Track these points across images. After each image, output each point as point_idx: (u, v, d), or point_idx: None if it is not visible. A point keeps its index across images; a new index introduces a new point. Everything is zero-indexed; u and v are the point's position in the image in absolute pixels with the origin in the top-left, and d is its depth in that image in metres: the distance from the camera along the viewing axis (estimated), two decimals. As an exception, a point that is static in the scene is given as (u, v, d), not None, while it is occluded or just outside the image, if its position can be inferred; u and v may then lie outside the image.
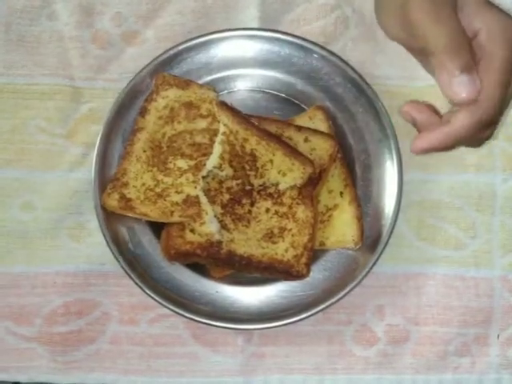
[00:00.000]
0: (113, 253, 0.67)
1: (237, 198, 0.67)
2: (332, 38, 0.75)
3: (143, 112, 0.70)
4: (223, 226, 0.66)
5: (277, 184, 0.67)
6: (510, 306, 0.71)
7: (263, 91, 0.73)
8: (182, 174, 0.68)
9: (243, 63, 0.72)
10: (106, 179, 0.69)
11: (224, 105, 0.67)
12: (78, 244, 0.72)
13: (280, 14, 0.75)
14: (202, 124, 0.69)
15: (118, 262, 0.67)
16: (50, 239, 0.72)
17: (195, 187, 0.67)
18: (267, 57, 0.72)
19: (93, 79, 0.74)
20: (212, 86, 0.71)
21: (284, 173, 0.66)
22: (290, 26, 0.75)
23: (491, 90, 0.56)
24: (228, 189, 0.67)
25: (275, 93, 0.73)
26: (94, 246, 0.71)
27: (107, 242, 0.68)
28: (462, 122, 0.56)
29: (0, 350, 0.70)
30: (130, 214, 0.67)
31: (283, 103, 0.72)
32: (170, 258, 0.66)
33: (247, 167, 0.67)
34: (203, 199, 0.66)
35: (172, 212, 0.66)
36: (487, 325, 0.71)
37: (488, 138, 0.60)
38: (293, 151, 0.66)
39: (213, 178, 0.67)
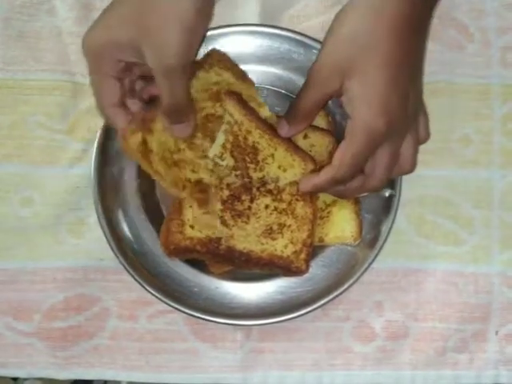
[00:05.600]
0: (112, 248, 0.68)
1: (236, 194, 0.67)
2: (332, 34, 0.75)
3: (192, 73, 0.64)
4: (223, 222, 0.66)
5: (277, 179, 0.67)
6: (508, 302, 0.72)
7: (263, 87, 0.73)
8: (204, 157, 0.66)
9: (243, 59, 0.71)
10: (106, 175, 0.69)
11: (232, 94, 0.66)
12: (78, 240, 0.72)
13: (280, 9, 0.75)
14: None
15: (118, 257, 0.67)
16: (50, 235, 0.72)
17: (210, 176, 0.66)
18: (267, 53, 0.72)
19: (92, 75, 0.74)
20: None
21: (284, 168, 0.66)
22: (291, 21, 0.74)
23: (339, 155, 0.60)
24: (228, 185, 0.67)
25: (275, 89, 0.73)
26: (94, 241, 0.71)
27: (106, 238, 0.68)
28: (324, 175, 0.62)
29: (-1, 345, 0.71)
30: (144, 165, 0.63)
31: (283, 99, 0.72)
32: (169, 254, 0.66)
33: (248, 159, 0.67)
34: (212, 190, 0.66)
35: (184, 187, 0.65)
36: (486, 321, 0.71)
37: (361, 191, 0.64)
38: (294, 147, 0.66)
39: (213, 171, 0.66)
